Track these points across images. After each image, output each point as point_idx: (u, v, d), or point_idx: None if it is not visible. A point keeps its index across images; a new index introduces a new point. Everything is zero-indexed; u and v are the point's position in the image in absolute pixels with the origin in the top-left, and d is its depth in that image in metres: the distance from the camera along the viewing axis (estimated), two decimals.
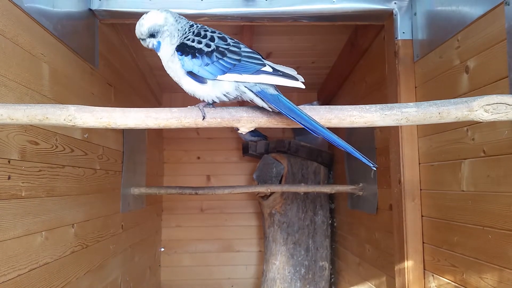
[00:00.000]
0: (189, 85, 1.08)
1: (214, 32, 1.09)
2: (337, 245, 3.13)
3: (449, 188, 1.47)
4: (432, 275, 1.60)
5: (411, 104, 1.00)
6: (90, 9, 1.76)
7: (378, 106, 1.01)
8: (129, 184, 2.32)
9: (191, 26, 1.12)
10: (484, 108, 0.93)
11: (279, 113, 1.03)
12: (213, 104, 1.08)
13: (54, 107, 0.98)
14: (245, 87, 1.04)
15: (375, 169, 1.02)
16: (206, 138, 3.59)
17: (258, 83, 1.03)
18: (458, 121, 0.98)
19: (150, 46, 1.12)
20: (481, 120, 0.94)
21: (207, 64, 1.04)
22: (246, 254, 3.56)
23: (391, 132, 1.83)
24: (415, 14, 1.73)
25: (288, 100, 1.02)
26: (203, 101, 1.08)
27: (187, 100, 3.35)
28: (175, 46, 1.09)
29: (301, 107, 1.04)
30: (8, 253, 1.14)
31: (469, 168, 1.35)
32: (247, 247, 3.56)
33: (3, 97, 1.13)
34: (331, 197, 3.24)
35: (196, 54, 1.05)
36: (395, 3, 1.78)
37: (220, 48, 1.05)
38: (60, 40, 1.48)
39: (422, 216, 1.69)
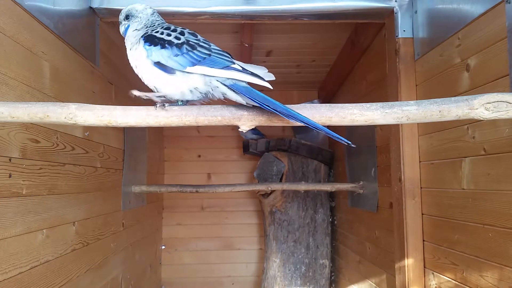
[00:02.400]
0: (155, 78, 1.07)
1: (185, 29, 1.12)
2: (337, 243, 3.14)
3: (450, 186, 1.47)
4: (433, 273, 1.60)
5: (412, 102, 1.00)
6: (91, 7, 1.76)
7: (379, 104, 1.01)
8: (130, 182, 2.32)
9: (163, 23, 1.16)
10: (484, 106, 0.93)
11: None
12: (186, 103, 1.07)
13: (55, 105, 0.98)
14: (218, 81, 1.05)
15: (354, 146, 1.02)
16: (207, 136, 3.59)
17: (226, 78, 1.05)
18: (459, 119, 0.98)
19: (122, 30, 1.17)
20: (481, 119, 0.94)
21: (176, 55, 1.05)
22: (246, 252, 3.57)
23: (391, 130, 1.83)
24: (415, 12, 1.73)
25: (260, 92, 1.03)
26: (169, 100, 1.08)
27: None
28: (140, 33, 1.11)
29: (301, 105, 1.04)
30: (9, 251, 1.15)
31: (470, 166, 1.35)
32: (247, 245, 3.57)
33: (4, 95, 1.13)
34: (331, 195, 3.24)
35: (166, 45, 1.06)
36: (395, 1, 1.78)
37: (190, 42, 1.07)
38: (61, 38, 1.48)
39: (422, 214, 1.69)
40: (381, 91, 2.04)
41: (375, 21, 1.94)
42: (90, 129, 1.73)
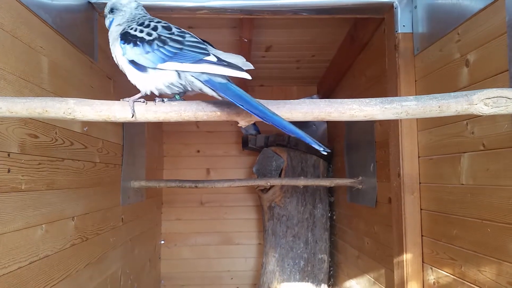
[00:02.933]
0: (131, 75, 1.08)
1: (160, 22, 1.09)
2: (336, 238, 3.15)
3: (448, 181, 1.47)
4: (431, 268, 1.61)
5: (411, 97, 1.00)
6: (89, 2, 1.75)
7: (378, 99, 1.01)
8: (129, 177, 2.32)
9: (143, 17, 1.15)
10: (484, 102, 0.93)
11: (277, 106, 1.03)
12: (160, 98, 1.06)
13: (54, 100, 0.98)
14: (192, 76, 1.03)
15: (325, 153, 0.99)
16: (206, 132, 3.59)
17: (200, 72, 1.02)
18: (458, 115, 0.98)
19: (107, 23, 1.16)
20: (481, 114, 0.94)
21: (147, 52, 1.03)
22: (245, 247, 3.58)
23: (390, 126, 1.83)
24: (415, 7, 1.73)
25: (238, 88, 1.00)
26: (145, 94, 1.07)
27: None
28: (120, 29, 1.11)
29: (301, 100, 1.03)
30: (8, 246, 1.15)
31: (469, 162, 1.36)
32: (246, 240, 3.58)
33: (2, 90, 1.13)
34: (330, 190, 3.25)
35: (138, 42, 1.05)
36: None
37: (162, 37, 1.05)
38: (59, 33, 1.48)
39: (421, 209, 1.69)
40: (381, 86, 2.04)
41: (375, 16, 1.93)
42: (89, 124, 1.73)
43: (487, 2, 1.25)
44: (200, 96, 1.08)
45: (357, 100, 1.02)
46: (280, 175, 3.10)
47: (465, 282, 1.37)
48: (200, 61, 1.01)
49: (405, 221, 1.70)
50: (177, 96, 1.08)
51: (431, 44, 1.59)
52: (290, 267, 3.08)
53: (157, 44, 1.03)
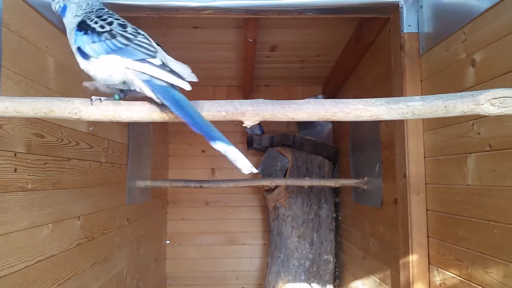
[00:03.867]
0: (79, 62, 1.08)
1: (118, 20, 1.09)
2: (341, 238, 3.14)
3: (455, 182, 1.47)
4: (437, 269, 1.60)
5: (417, 97, 0.99)
6: None
7: (384, 99, 1.00)
8: (134, 177, 2.33)
9: (102, 9, 1.14)
10: (490, 102, 0.92)
11: (282, 106, 1.02)
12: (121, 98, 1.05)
13: (59, 100, 0.99)
14: (133, 74, 1.02)
15: (250, 172, 0.99)
16: None
17: (140, 71, 1.01)
18: (464, 115, 0.97)
19: (57, 8, 1.15)
20: (487, 114, 0.94)
21: (93, 42, 1.04)
22: (250, 247, 3.58)
23: (396, 126, 1.83)
24: (421, 6, 1.72)
25: (179, 95, 1.00)
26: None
27: (192, 93, 3.34)
28: (78, 20, 1.11)
29: (305, 100, 1.03)
30: (15, 245, 1.15)
31: (475, 162, 1.35)
32: (251, 240, 3.58)
33: (8, 90, 1.14)
34: (335, 191, 3.24)
35: (88, 31, 1.05)
36: None
37: (113, 31, 1.05)
38: (65, 33, 1.48)
39: (427, 210, 1.68)
40: (386, 86, 2.03)
41: (380, 15, 1.92)
42: (95, 124, 1.74)
43: (494, 0, 1.24)
44: (204, 97, 1.08)
45: (362, 100, 1.01)
46: (285, 176, 3.09)
47: (472, 283, 1.36)
48: (143, 60, 1.01)
49: (411, 222, 1.69)
50: (116, 96, 1.07)
51: (437, 44, 1.58)
52: (295, 267, 3.07)
53: (105, 36, 1.04)
